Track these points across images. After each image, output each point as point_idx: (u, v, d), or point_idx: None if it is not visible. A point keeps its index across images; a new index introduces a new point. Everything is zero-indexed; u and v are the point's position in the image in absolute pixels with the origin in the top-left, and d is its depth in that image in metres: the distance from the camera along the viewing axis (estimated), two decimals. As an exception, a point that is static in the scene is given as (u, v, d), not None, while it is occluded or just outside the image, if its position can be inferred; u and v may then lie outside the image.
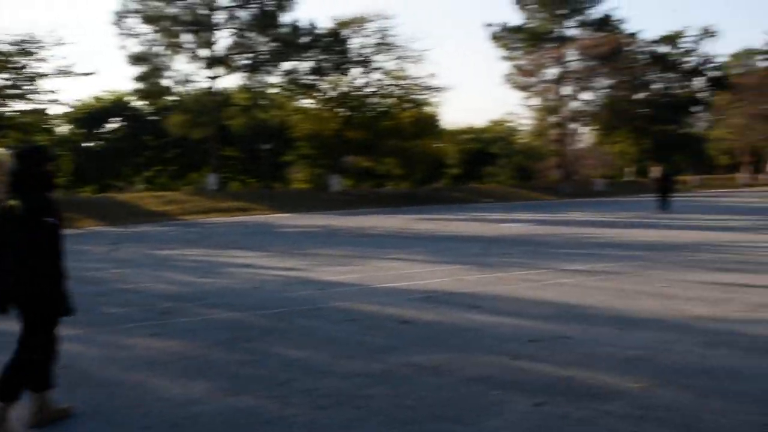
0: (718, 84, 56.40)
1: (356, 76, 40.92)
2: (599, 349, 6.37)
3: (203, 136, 38.30)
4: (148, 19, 35.77)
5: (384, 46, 40.33)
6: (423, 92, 41.83)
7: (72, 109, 38.32)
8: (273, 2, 37.38)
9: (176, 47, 36.77)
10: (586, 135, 61.05)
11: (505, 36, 55.43)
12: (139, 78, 36.69)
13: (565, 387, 5.31)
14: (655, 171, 30.05)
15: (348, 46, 39.88)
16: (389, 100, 41.28)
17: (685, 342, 6.61)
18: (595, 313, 8.05)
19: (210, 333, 7.30)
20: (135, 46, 36.42)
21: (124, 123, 41.31)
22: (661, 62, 53.82)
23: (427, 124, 43.03)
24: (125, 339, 7.10)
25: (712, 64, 56.49)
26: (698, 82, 57.31)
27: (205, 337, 7.09)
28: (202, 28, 36.80)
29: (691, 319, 7.63)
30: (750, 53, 70.43)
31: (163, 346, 6.73)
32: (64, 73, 31.93)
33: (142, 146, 41.03)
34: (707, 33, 55.56)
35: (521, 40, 54.75)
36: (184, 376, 5.75)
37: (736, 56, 70.77)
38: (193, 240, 18.88)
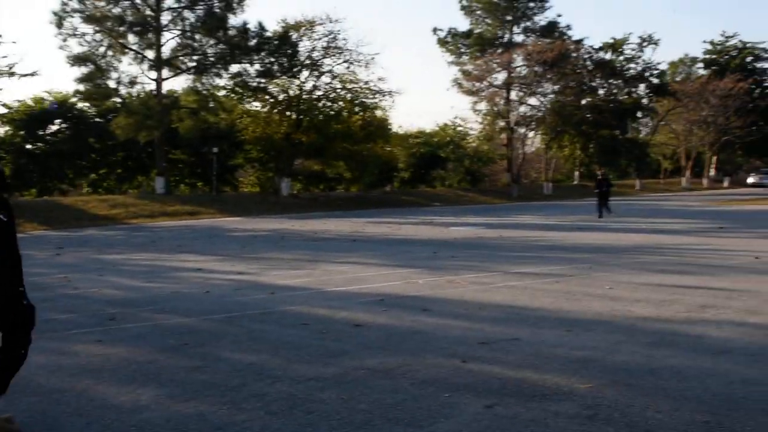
0: (660, 91, 57.92)
1: (306, 79, 40.79)
2: (548, 351, 6.47)
3: (150, 139, 37.66)
4: (91, 20, 34.96)
5: (333, 49, 40.32)
6: (373, 96, 41.95)
7: (10, 110, 37.29)
8: (221, 4, 36.99)
9: (121, 48, 36.05)
10: (533, 139, 62.08)
11: (453, 41, 55.99)
12: (82, 79, 35.82)
13: (515, 388, 5.37)
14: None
15: (297, 49, 39.72)
16: (339, 104, 41.25)
17: (631, 343, 6.75)
18: (543, 315, 8.17)
19: (159, 338, 7.18)
20: (77, 47, 35.61)
21: (67, 125, 40.33)
22: (606, 69, 54.99)
23: (377, 128, 43.14)
24: (71, 346, 6.93)
25: (654, 71, 57.96)
26: (641, 89, 58.73)
27: (153, 343, 6.97)
28: (148, 29, 36.18)
29: (637, 320, 7.80)
30: (690, 61, 72.55)
31: (110, 353, 6.60)
32: (4, 73, 31.08)
33: (87, 149, 40.14)
34: (649, 41, 56.98)
35: (469, 46, 55.36)
36: (131, 382, 5.64)
37: (676, 64, 72.83)
38: (140, 244, 18.56)
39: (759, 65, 69.71)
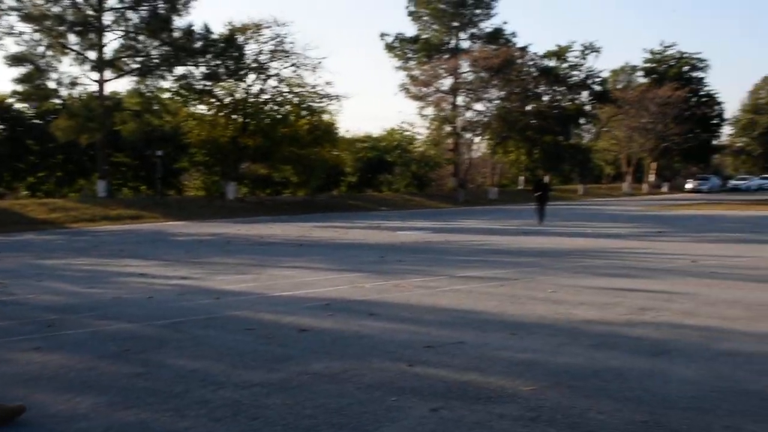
0: (602, 98, 59.24)
1: (252, 82, 40.45)
2: (493, 354, 6.53)
3: (92, 142, 36.82)
4: (29, 18, 33.98)
5: (280, 53, 40.07)
6: (320, 100, 41.83)
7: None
8: (165, 5, 36.38)
9: (61, 48, 35.15)
10: (479, 144, 62.78)
11: (400, 46, 56.27)
12: (20, 80, 34.80)
13: (460, 391, 5.42)
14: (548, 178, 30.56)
15: (243, 52, 39.34)
16: (286, 108, 41.01)
17: (573, 345, 6.87)
18: (488, 318, 8.25)
19: (99, 345, 7.02)
20: (14, 46, 34.61)
21: (4, 126, 39.15)
22: (550, 75, 55.99)
23: (325, 132, 43.01)
24: (6, 353, 6.71)
25: (596, 79, 59.26)
26: (584, 96, 59.97)
27: (94, 350, 6.81)
28: (89, 29, 35.35)
29: (580, 322, 7.95)
30: (630, 69, 74.49)
31: (47, 360, 6.42)
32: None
33: (25, 151, 39.02)
34: (591, 49, 58.22)
35: (416, 51, 55.72)
36: (70, 390, 5.50)
37: (617, 72, 74.65)
38: (81, 249, 18.12)
39: (695, 74, 72.01)
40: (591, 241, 19.10)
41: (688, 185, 66.71)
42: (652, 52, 73.07)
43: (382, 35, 56.32)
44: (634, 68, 74.35)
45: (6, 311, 8.99)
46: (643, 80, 70.98)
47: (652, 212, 34.67)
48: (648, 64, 72.63)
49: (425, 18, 56.26)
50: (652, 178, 70.86)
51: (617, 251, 16.16)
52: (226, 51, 38.35)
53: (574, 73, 58.50)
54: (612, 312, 8.54)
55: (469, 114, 51.43)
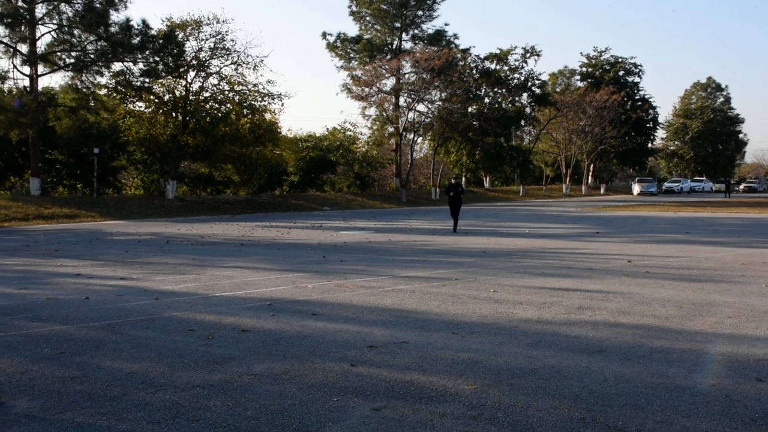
0: (542, 100, 60.31)
1: (192, 80, 39.85)
2: (435, 353, 6.60)
3: (24, 138, 35.72)
4: (-46, 9, 32.79)
5: (221, 50, 39.61)
6: (262, 99, 41.51)
7: None
8: (101, -1, 35.52)
9: (-10, 41, 34.00)
10: (422, 145, 63.18)
11: (342, 46, 56.21)
12: (-55, 72, 33.56)
13: (403, 391, 5.45)
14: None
15: (183, 49, 38.69)
16: (227, 106, 40.55)
17: (513, 344, 6.99)
18: (431, 318, 8.33)
19: (33, 348, 6.82)
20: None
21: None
22: (491, 78, 56.72)
23: (266, 131, 42.73)
24: (-67, 358, 6.48)
25: (536, 82, 60.29)
26: (524, 98, 60.95)
27: (26, 353, 6.62)
28: (20, 21, 34.25)
29: (520, 321, 8.08)
30: (569, 73, 76.05)
31: (-22, 364, 6.21)
32: None
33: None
34: (532, 52, 59.20)
35: (358, 51, 55.74)
36: (1, 395, 5.33)
37: (556, 75, 76.16)
38: (12, 248, 17.57)
39: (630, 79, 73.93)
40: (531, 241, 19.42)
41: (637, 189, 66.85)
42: (588, 57, 74.78)
43: (324, 34, 56.20)
44: (572, 72, 76.01)
45: (-67, 313, 8.66)
46: (580, 84, 72.56)
47: (589, 213, 35.46)
48: (585, 69, 74.28)
49: (367, 18, 56.37)
50: (590, 179, 72.51)
51: (556, 251, 16.47)
52: (166, 47, 37.65)
53: (515, 75, 59.49)
54: (550, 311, 8.71)
55: (411, 114, 51.70)
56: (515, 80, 59.29)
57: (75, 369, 6.06)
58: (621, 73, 73.20)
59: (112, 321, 8.13)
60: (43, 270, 13.25)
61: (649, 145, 77.94)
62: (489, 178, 65.66)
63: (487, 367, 6.13)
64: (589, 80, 71.76)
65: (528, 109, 61.66)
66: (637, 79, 74.60)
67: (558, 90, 70.85)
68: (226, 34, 39.53)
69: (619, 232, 22.58)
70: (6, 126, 33.50)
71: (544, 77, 65.50)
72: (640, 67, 74.73)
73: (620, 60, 73.90)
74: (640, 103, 72.83)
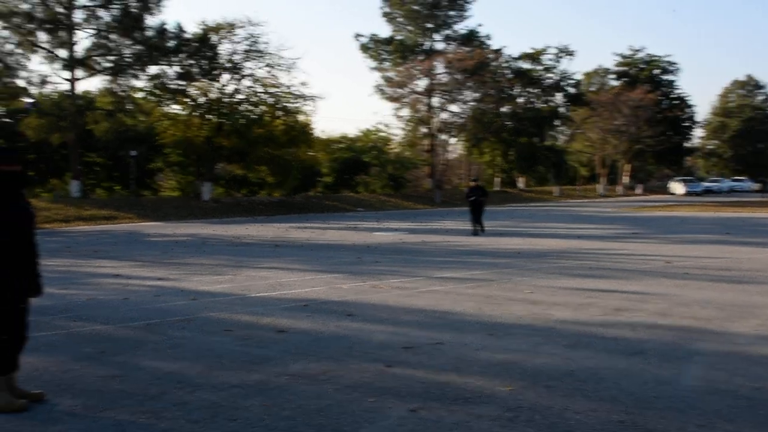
0: (576, 100, 59.75)
1: (226, 82, 40.23)
2: (471, 354, 6.57)
3: (64, 141, 36.40)
4: (-3, 15, 33.50)
5: (254, 53, 39.91)
6: (295, 100, 41.72)
7: None
8: (137, 4, 36.03)
9: (30, 46, 34.67)
10: (455, 146, 62.99)
11: (375, 47, 56.31)
12: (-12, 77, 34.31)
13: (439, 392, 5.44)
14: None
15: (217, 51, 39.11)
16: (261, 108, 40.84)
17: (550, 345, 6.93)
18: (466, 319, 8.30)
19: (74, 347, 6.95)
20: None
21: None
22: (524, 78, 56.37)
23: (300, 133, 42.90)
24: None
25: (570, 81, 59.75)
26: (558, 98, 60.44)
27: (68, 352, 6.74)
28: (59, 27, 34.91)
29: (556, 323, 8.02)
30: (603, 72, 75.21)
31: (21, 363, 6.30)
32: None
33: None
34: (565, 52, 58.72)
35: (390, 52, 55.78)
36: (45, 392, 5.43)
37: (590, 74, 75.34)
38: (54, 250, 17.89)
39: (666, 77, 72.85)
40: (566, 242, 19.25)
41: (681, 189, 65.16)
42: (622, 56, 73.86)
43: (357, 36, 56.58)
44: (606, 71, 75.15)
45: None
46: (615, 83, 71.72)
47: (626, 213, 35.04)
48: (620, 68, 73.39)
49: (400, 19, 56.38)
50: (626, 179, 71.63)
51: (592, 252, 16.31)
52: (200, 50, 38.11)
53: (549, 75, 59.02)
54: (587, 312, 8.63)
55: (444, 115, 51.59)
56: (549, 80, 58.83)
57: (115, 368, 6.16)
58: (656, 71, 72.14)
59: (151, 321, 8.24)
60: (83, 270, 13.49)
61: (687, 144, 76.72)
62: (523, 178, 65.18)
63: (523, 368, 6.09)
64: (624, 79, 70.83)
65: (562, 109, 61.12)
66: (672, 78, 73.48)
67: (592, 89, 70.09)
68: (260, 37, 39.84)
69: (656, 233, 22.28)
70: (47, 130, 34.21)
71: (578, 77, 64.69)
72: (675, 66, 73.61)
73: (655, 58, 72.85)
74: (676, 101, 71.73)
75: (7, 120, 39.30)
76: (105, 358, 6.53)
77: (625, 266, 13.48)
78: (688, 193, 64.06)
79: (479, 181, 24.43)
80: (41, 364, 6.31)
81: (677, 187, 66.93)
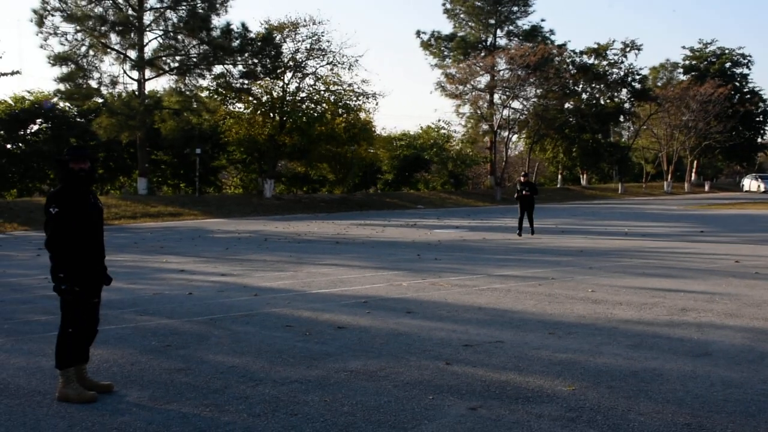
0: (642, 95, 58.31)
1: (289, 81, 40.70)
2: (531, 353, 6.50)
3: (132, 140, 37.41)
4: (72, 19, 34.59)
5: (317, 51, 40.28)
6: (356, 98, 41.96)
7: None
8: (203, 5, 36.77)
9: (102, 48, 35.77)
10: (517, 143, 62.31)
11: (436, 44, 56.11)
12: (63, 79, 35.46)
13: (499, 391, 5.40)
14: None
15: (280, 50, 39.60)
16: (323, 106, 41.20)
17: (613, 345, 6.80)
18: (526, 317, 8.21)
19: (141, 340, 7.14)
20: (58, 46, 35.31)
21: (48, 125, 39.98)
22: (589, 73, 55.33)
23: (361, 130, 43.13)
24: (51, 347, 6.83)
25: (635, 76, 58.35)
26: (623, 93, 59.11)
27: (135, 345, 6.93)
28: (130, 28, 35.91)
29: (619, 322, 7.86)
30: (670, 67, 73.22)
31: (91, 354, 6.51)
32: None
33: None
34: (632, 46, 57.38)
35: (452, 49, 55.49)
36: (113, 384, 5.60)
37: (657, 69, 73.46)
38: (122, 245, 18.42)
39: (738, 71, 70.46)
40: (630, 240, 18.86)
41: (763, 186, 62.34)
42: (691, 50, 71.76)
43: (418, 33, 56.23)
44: (674, 65, 73.11)
45: (50, 306, 9.16)
46: (683, 77, 69.73)
47: (693, 211, 34.10)
48: (688, 61, 71.34)
49: (461, 15, 56.02)
50: (693, 176, 69.66)
51: (657, 251, 15.93)
52: (264, 50, 38.65)
53: (614, 70, 57.71)
54: (652, 312, 8.43)
55: (506, 112, 51.05)
56: (614, 75, 57.57)
57: (180, 361, 6.30)
58: (728, 65, 69.80)
59: (214, 316, 8.41)
60: (149, 266, 13.85)
61: (759, 140, 74.07)
62: (586, 175, 64.03)
63: (585, 368, 5.99)
64: (693, 73, 68.81)
65: (627, 105, 59.77)
66: (745, 71, 70.95)
67: (659, 84, 68.29)
68: (322, 35, 40.19)
69: (725, 231, 21.63)
70: (117, 129, 35.19)
71: (645, 71, 63.04)
72: (749, 58, 71.06)
73: (727, 51, 70.54)
74: (748, 95, 69.31)
75: (80, 120, 40.56)
76: (170, 351, 6.69)
77: (692, 265, 13.12)
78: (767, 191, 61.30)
79: (529, 176, 22.17)
80: (110, 356, 6.51)
81: (753, 184, 64.48)
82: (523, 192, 20.17)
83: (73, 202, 5.33)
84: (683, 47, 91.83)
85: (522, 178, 20.73)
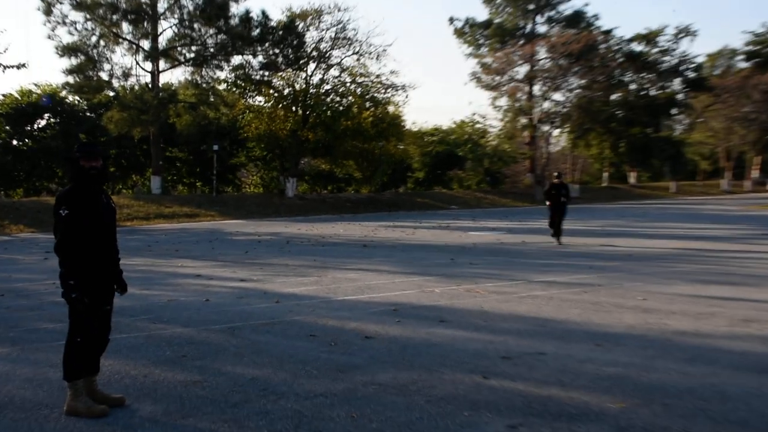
0: (697, 85, 57.64)
1: (312, 72, 40.87)
2: (576, 367, 6.43)
3: (145, 135, 37.82)
4: (81, 7, 35.06)
5: (342, 40, 40.41)
6: (385, 90, 42.00)
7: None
8: (221, -9, 37.08)
9: (114, 38, 36.21)
10: (559, 138, 61.93)
11: (471, 32, 56.00)
12: (72, 71, 35.95)
13: (540, 407, 5.34)
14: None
15: (303, 40, 39.77)
16: (348, 99, 41.30)
17: (667, 359, 6.71)
18: (571, 327, 8.13)
19: (155, 350, 7.19)
20: (67, 36, 35.84)
21: (56, 120, 40.59)
22: (638, 62, 54.84)
23: (390, 125, 43.20)
24: (58, 358, 6.92)
25: (690, 65, 57.69)
26: (676, 83, 58.47)
27: (149, 355, 6.98)
28: (143, 17, 36.32)
29: (674, 334, 7.75)
30: (730, 53, 72.20)
31: (102, 365, 6.55)
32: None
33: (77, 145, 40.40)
34: (686, 32, 56.76)
35: (488, 37, 55.35)
36: (125, 397, 5.64)
37: (714, 56, 72.49)
38: (134, 248, 18.63)
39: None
40: (685, 243, 18.63)
41: None
42: (754, 34, 70.72)
43: (452, 20, 56.24)
44: (734, 52, 72.10)
45: (59, 313, 9.27)
46: (744, 65, 68.72)
47: (755, 212, 33.60)
48: (750, 47, 70.29)
49: (498, 1, 55.86)
50: (755, 174, 68.57)
51: (715, 255, 15.72)
52: (285, 39, 38.85)
53: (666, 58, 57.14)
54: (710, 323, 8.31)
55: (546, 104, 50.84)
56: (666, 63, 56.99)
57: (196, 373, 6.33)
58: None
59: (233, 324, 8.45)
60: (164, 270, 13.97)
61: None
62: (635, 173, 63.43)
63: (636, 383, 5.91)
64: (755, 60, 67.73)
65: (680, 96, 59.11)
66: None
67: (716, 73, 67.41)
68: (348, 23, 40.42)
69: (790, 234, 21.27)
70: (129, 124, 35.60)
71: (700, 59, 62.30)
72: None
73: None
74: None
75: (90, 114, 41.13)
76: (186, 362, 6.73)
77: (755, 271, 12.91)
78: None
79: (563, 177, 20.14)
80: (122, 367, 6.56)
81: None
82: (560, 198, 18.80)
83: (85, 203, 5.34)
84: (744, 32, 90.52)
85: (555, 180, 19.33)
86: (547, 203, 19.21)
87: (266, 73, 39.76)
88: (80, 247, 5.27)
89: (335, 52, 40.87)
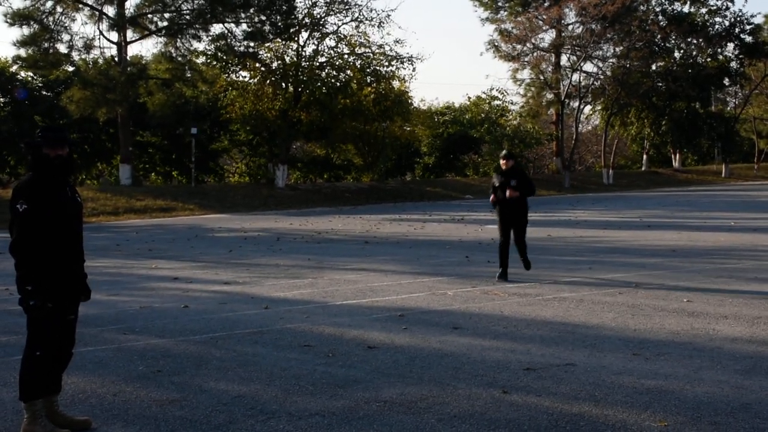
0: (754, 51, 57.28)
1: (305, 42, 40.78)
2: (611, 379, 6.46)
3: (112, 117, 37.78)
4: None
5: (339, 5, 40.28)
6: (388, 63, 41.90)
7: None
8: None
9: (73, 4, 36.06)
10: (590, 116, 61.76)
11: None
12: (24, 42, 35.73)
13: (570, 426, 5.38)
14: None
15: (294, 4, 39.63)
16: (347, 73, 41.22)
17: (716, 370, 6.74)
18: (604, 334, 8.17)
19: (126, 365, 7.24)
20: (17, 1, 35.82)
21: (6, 99, 40.57)
22: (683, 25, 54.61)
23: (395, 103, 43.13)
24: (13, 375, 6.96)
25: (746, 27, 57.35)
26: (729, 49, 58.16)
27: (118, 371, 7.03)
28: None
29: (724, 341, 7.78)
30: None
31: (64, 383, 6.62)
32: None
33: (32, 129, 40.37)
34: (739, -10, 56.49)
35: (507, -1, 55.20)
36: (92, 419, 5.68)
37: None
38: (101, 248, 18.69)
39: None
40: (738, 236, 18.64)
41: None
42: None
43: (466, -21, 56.02)
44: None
45: (12, 323, 9.28)
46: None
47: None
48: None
49: (520, -44, 55.75)
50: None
51: (772, 250, 15.75)
52: (273, 4, 38.69)
53: (716, 20, 56.84)
54: (767, 329, 8.34)
55: (576, 77, 50.72)
56: (716, 26, 56.73)
57: (174, 391, 6.38)
58: None
59: (215, 334, 8.49)
60: (136, 273, 14.02)
61: None
62: (679, 155, 63.30)
63: (680, 398, 5.94)
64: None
65: (734, 64, 58.84)
66: None
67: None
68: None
69: None
70: (92, 104, 35.43)
71: (758, 20, 61.83)
72: None
73: None
74: None
75: (47, 93, 41.09)
76: (161, 378, 6.77)
77: (817, 268, 12.94)
78: None
79: (517, 159, 13.09)
80: (88, 385, 6.60)
81: None
82: (506, 190, 12.12)
83: (47, 197, 5.28)
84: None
85: (504, 163, 12.40)
86: (491, 199, 12.58)
87: (251, 44, 39.65)
88: (41, 248, 5.24)
89: (331, 19, 40.78)
